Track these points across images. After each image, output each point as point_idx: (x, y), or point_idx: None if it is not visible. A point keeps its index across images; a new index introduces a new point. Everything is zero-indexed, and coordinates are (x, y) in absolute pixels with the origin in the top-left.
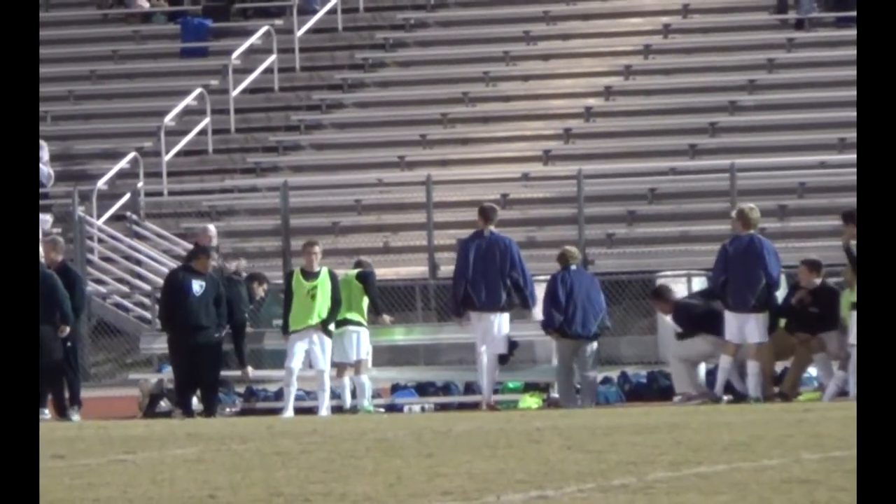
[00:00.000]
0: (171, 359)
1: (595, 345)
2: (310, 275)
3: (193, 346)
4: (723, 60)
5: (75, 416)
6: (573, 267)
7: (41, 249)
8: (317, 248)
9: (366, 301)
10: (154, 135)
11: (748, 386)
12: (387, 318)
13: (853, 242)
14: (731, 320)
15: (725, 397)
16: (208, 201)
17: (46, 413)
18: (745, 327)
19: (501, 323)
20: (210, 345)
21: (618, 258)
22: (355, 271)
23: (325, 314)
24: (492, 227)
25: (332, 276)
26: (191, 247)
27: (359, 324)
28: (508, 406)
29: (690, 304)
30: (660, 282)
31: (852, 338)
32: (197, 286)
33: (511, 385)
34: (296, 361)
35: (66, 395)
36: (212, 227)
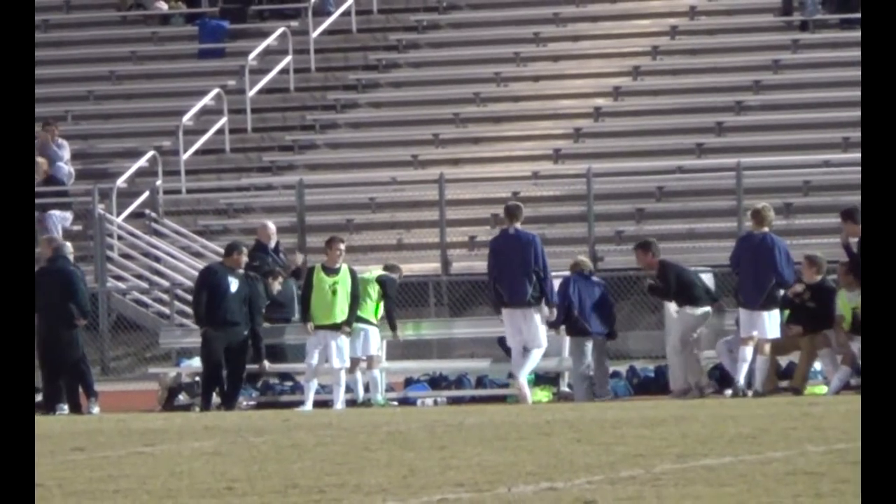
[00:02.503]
0: (204, 354)
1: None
2: (331, 271)
3: (226, 342)
4: (729, 61)
5: (95, 409)
6: (585, 271)
7: (69, 246)
8: (341, 246)
9: (380, 303)
10: (172, 134)
11: (754, 380)
12: (399, 334)
13: (853, 240)
14: (743, 315)
15: (728, 391)
16: (226, 199)
17: (65, 408)
18: (755, 323)
19: (532, 317)
20: (240, 341)
21: (626, 255)
22: (378, 273)
23: (346, 312)
24: (517, 225)
25: (352, 273)
26: (208, 243)
27: (368, 322)
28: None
29: (680, 266)
30: None
31: (858, 343)
32: (234, 284)
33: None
34: (316, 358)
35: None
36: (271, 225)
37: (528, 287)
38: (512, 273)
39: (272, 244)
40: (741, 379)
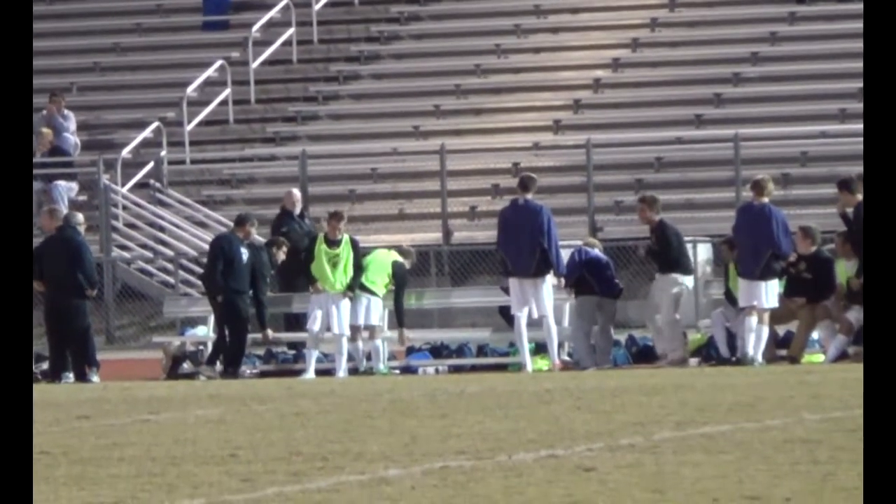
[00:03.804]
0: (233, 316)
1: (616, 303)
2: (332, 242)
3: (236, 310)
4: (727, 33)
5: (94, 378)
6: (595, 250)
7: (80, 216)
8: (342, 224)
9: (389, 283)
10: (177, 105)
11: (755, 350)
12: (406, 332)
13: (848, 209)
14: (742, 285)
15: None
16: (229, 170)
17: (70, 376)
18: (754, 293)
19: (539, 287)
20: (247, 308)
21: (625, 225)
22: (396, 257)
23: (346, 282)
24: (528, 196)
25: (354, 244)
26: (211, 213)
27: (372, 293)
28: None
29: (678, 231)
30: None
31: (858, 312)
32: (245, 253)
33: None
34: (318, 324)
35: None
36: (296, 191)
37: (534, 257)
38: (518, 243)
39: (297, 211)
40: (750, 349)
